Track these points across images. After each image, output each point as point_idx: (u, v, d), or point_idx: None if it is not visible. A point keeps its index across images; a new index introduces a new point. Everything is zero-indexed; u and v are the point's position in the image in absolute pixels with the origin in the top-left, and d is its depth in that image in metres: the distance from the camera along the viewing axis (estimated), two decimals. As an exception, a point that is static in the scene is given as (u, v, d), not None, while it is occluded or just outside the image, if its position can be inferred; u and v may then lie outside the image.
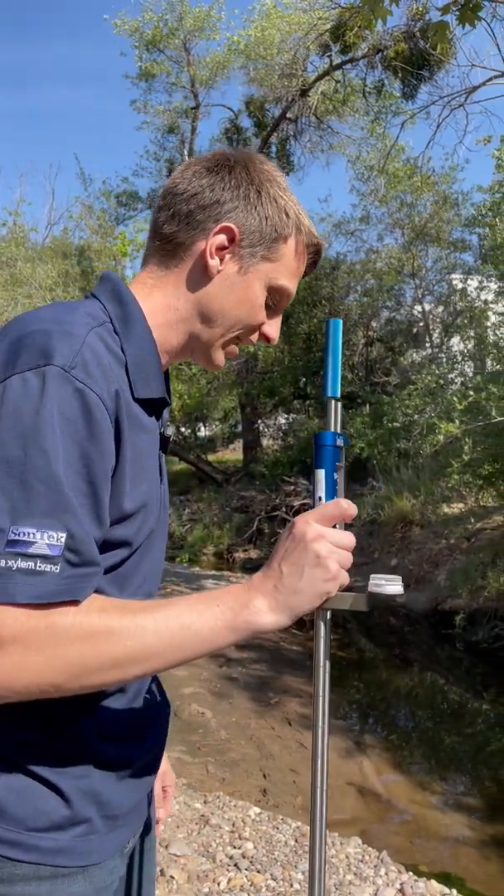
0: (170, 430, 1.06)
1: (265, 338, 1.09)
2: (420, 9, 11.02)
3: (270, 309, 1.07)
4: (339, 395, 0.95)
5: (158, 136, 16.62)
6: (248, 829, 3.03)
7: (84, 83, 79.07)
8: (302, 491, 13.02)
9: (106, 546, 0.88)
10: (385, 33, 11.95)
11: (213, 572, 11.82)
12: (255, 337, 1.08)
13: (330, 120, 14.43)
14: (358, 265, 15.34)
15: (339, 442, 0.94)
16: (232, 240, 1.01)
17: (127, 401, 0.90)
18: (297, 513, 12.79)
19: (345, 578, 0.87)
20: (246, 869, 2.70)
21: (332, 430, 0.95)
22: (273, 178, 1.05)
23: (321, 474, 0.93)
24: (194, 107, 15.85)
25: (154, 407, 0.99)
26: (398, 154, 13.48)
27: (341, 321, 0.97)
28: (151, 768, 1.07)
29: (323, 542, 0.85)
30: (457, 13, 5.09)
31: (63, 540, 0.78)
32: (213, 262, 1.01)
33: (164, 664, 0.82)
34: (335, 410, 0.96)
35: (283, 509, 12.82)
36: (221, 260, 1.01)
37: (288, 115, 14.12)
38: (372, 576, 0.89)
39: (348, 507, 0.88)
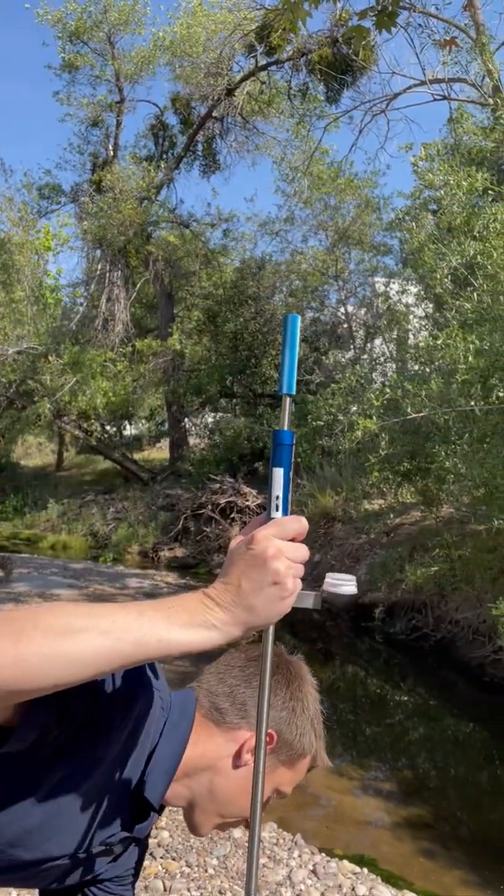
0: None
1: (246, 825, 1.15)
2: (343, 15, 11.23)
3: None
4: (294, 392, 0.92)
5: (82, 128, 16.37)
6: (164, 818, 3.04)
7: (4, 71, 76.87)
8: (228, 489, 13.07)
9: None
10: (309, 38, 12.14)
11: (138, 571, 11.73)
12: (238, 826, 1.20)
13: (255, 120, 14.55)
14: (283, 265, 15.50)
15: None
16: (268, 743, 1.12)
17: None
18: (223, 511, 12.81)
19: (299, 588, 0.89)
20: (161, 857, 2.70)
21: (288, 428, 0.92)
22: (315, 700, 1.20)
23: (279, 473, 0.90)
24: (119, 101, 15.68)
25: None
26: (322, 157, 13.71)
27: (299, 317, 0.92)
28: None
29: (282, 560, 0.85)
30: (374, 18, 5.22)
31: None
32: (246, 757, 1.13)
33: (111, 668, 0.80)
34: (288, 408, 0.93)
35: (209, 507, 12.83)
36: (252, 756, 1.12)
37: (214, 113, 14.16)
38: (328, 574, 0.90)
39: (305, 525, 0.89)
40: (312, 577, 9.54)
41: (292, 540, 0.88)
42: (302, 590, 0.90)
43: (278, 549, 0.85)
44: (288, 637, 8.52)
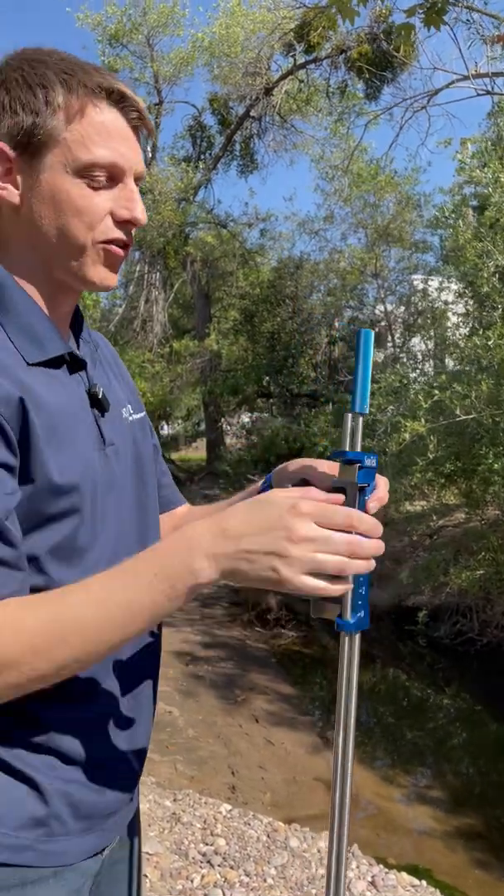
0: (101, 388, 0.96)
1: (126, 222, 0.91)
2: (384, 11, 11.12)
3: (106, 188, 0.89)
4: (367, 411, 0.84)
5: (121, 131, 16.47)
6: (219, 825, 3.03)
7: (44, 76, 77.87)
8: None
9: (37, 524, 0.84)
10: (348, 34, 12.06)
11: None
12: (117, 232, 0.91)
13: (293, 119, 14.50)
14: (321, 264, 15.43)
15: (368, 462, 0.85)
16: (7, 158, 0.87)
17: (17, 376, 0.83)
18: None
19: (336, 588, 0.77)
20: (219, 865, 2.70)
21: (357, 448, 0.85)
22: (22, 59, 0.89)
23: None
24: (157, 103, 15.76)
25: (64, 365, 0.92)
26: (361, 154, 13.60)
27: (372, 332, 0.85)
28: (129, 770, 0.99)
29: (305, 521, 0.75)
30: (422, 15, 5.15)
31: None
32: (6, 193, 0.88)
33: (108, 648, 0.78)
34: (359, 427, 0.85)
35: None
36: (13, 184, 0.88)
37: (252, 113, 14.15)
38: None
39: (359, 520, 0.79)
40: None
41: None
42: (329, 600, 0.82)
43: (306, 510, 0.75)
44: (327, 638, 8.47)
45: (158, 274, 15.41)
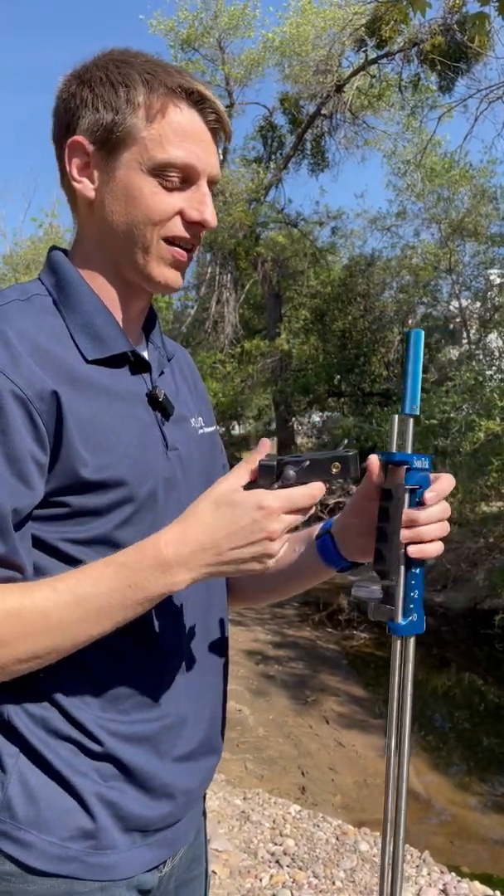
0: (164, 392, 0.96)
1: (195, 224, 0.92)
2: (457, 1, 10.88)
3: (179, 189, 0.90)
4: (417, 412, 0.86)
5: (193, 134, 16.64)
6: (288, 826, 3.04)
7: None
8: (336, 489, 12.96)
9: (67, 516, 0.84)
10: (421, 27, 11.85)
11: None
12: (184, 232, 0.91)
13: (365, 115, 14.34)
14: (394, 261, 15.22)
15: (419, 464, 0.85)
16: (86, 153, 0.89)
17: (70, 370, 0.85)
18: (332, 511, 12.72)
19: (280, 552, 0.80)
20: (287, 866, 2.70)
21: (408, 450, 0.85)
22: (108, 59, 0.90)
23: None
24: (229, 105, 15.83)
25: (126, 364, 0.93)
26: (435, 148, 13.34)
27: (423, 332, 0.87)
28: (184, 786, 0.94)
29: (276, 518, 0.77)
30: (496, 4, 5.01)
31: None
32: (81, 187, 0.90)
33: (76, 643, 0.79)
34: (410, 429, 0.85)
35: (318, 507, 12.74)
36: (90, 178, 0.90)
37: (323, 111, 14.06)
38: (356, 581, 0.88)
39: (317, 497, 0.80)
40: (429, 578, 9.28)
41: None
42: (365, 582, 0.86)
43: (272, 510, 0.77)
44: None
45: (230, 275, 15.50)
